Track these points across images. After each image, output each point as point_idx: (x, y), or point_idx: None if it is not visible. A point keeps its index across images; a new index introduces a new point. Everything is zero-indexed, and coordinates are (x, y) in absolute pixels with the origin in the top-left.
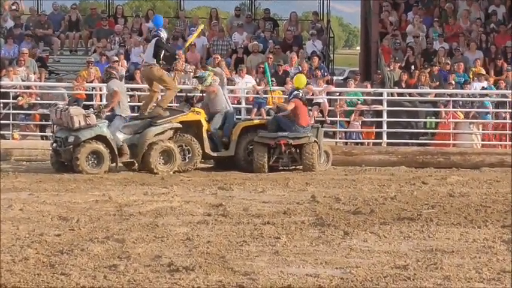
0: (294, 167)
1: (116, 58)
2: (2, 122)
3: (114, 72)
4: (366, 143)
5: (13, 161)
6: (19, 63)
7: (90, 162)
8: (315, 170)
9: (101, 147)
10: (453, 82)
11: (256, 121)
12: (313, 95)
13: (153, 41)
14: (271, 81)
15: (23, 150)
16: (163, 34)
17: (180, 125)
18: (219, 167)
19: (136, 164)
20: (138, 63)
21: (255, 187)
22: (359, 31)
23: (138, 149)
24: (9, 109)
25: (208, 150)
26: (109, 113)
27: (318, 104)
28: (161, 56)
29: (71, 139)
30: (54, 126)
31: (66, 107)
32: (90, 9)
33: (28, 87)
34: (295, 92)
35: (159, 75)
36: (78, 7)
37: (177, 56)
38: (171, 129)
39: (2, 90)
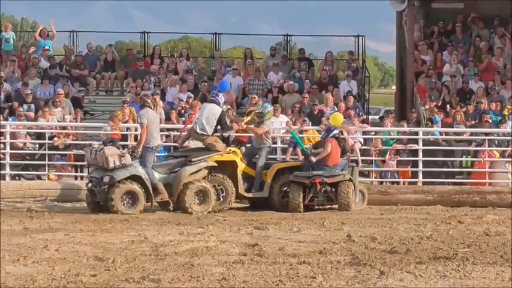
0: (329, 206)
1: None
2: (38, 162)
3: (149, 100)
4: (402, 182)
5: (48, 201)
6: (55, 104)
7: (125, 202)
8: (351, 209)
9: (135, 187)
10: (490, 121)
11: (291, 163)
12: (348, 134)
13: (215, 109)
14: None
15: (57, 190)
16: (222, 99)
17: (215, 164)
18: (254, 207)
19: (171, 204)
20: (174, 103)
21: (290, 227)
22: (394, 70)
23: (173, 188)
24: (45, 149)
25: (242, 190)
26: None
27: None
28: (216, 128)
29: (106, 179)
30: (89, 166)
31: (101, 147)
32: (126, 49)
33: (64, 128)
34: (335, 131)
35: (212, 144)
36: (114, 47)
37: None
38: (206, 168)
39: (38, 130)
